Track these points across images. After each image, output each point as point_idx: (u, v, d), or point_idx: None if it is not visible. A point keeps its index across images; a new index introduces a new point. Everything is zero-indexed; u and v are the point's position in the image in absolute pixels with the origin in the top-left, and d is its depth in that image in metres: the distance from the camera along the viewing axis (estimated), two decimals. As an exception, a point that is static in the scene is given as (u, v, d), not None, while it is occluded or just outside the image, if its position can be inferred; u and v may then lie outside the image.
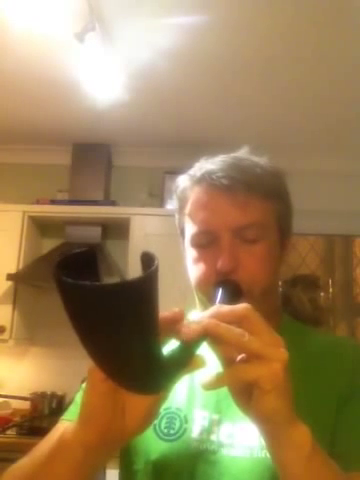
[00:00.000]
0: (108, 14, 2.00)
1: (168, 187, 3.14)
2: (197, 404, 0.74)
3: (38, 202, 3.12)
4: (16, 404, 2.89)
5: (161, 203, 3.12)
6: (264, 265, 0.72)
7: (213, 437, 0.71)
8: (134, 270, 2.84)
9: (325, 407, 0.69)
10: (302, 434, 0.55)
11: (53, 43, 2.20)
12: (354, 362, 0.74)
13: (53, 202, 3.12)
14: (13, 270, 2.89)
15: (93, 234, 3.10)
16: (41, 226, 3.20)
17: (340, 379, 0.72)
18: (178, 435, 0.72)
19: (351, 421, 0.68)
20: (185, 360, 0.50)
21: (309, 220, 3.21)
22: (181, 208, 0.79)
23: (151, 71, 2.39)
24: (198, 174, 0.75)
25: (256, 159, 0.78)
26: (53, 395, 2.86)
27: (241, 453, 0.69)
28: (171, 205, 3.09)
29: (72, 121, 2.98)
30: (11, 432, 2.61)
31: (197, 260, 0.74)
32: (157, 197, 3.16)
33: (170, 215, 3.41)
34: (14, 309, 2.91)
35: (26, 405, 2.86)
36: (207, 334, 0.50)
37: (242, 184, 0.71)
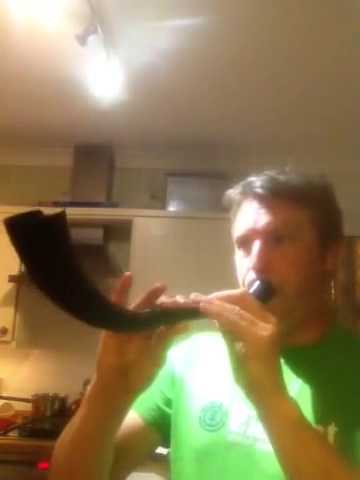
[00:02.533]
0: (110, 16, 2.01)
1: (170, 189, 3.14)
2: (239, 399, 0.77)
3: (40, 204, 3.12)
4: (18, 406, 2.89)
5: (163, 205, 3.12)
6: (295, 265, 0.77)
7: (249, 431, 0.75)
8: (137, 272, 2.84)
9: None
10: (288, 407, 0.60)
11: (55, 45, 2.21)
12: None
13: (55, 204, 3.11)
14: (15, 272, 2.89)
15: (95, 236, 3.09)
16: (43, 228, 3.21)
17: None
18: (218, 427, 0.78)
19: None
20: (158, 320, 0.61)
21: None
22: (232, 219, 0.87)
23: (153, 73, 2.39)
24: (242, 188, 0.85)
25: (298, 174, 0.86)
26: (55, 397, 2.86)
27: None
28: (173, 207, 3.10)
29: (74, 123, 2.99)
30: (13, 434, 2.60)
31: (238, 261, 0.83)
32: (159, 199, 3.16)
33: (172, 217, 3.42)
34: (16, 311, 2.91)
35: (28, 407, 2.86)
36: (200, 310, 0.60)
37: (274, 193, 0.79)
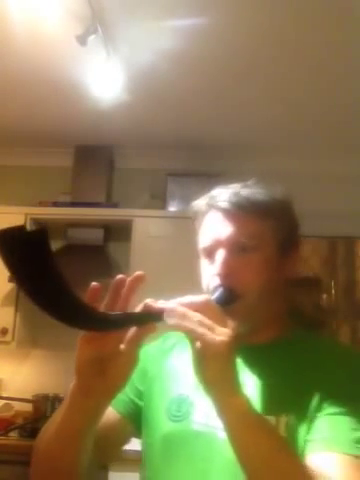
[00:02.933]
0: (110, 17, 2.01)
1: (170, 189, 3.14)
2: (202, 392, 0.84)
3: (40, 204, 3.12)
4: (18, 406, 2.89)
5: (163, 205, 3.12)
6: (256, 273, 0.85)
7: (211, 422, 0.82)
8: (136, 272, 2.83)
9: (312, 400, 0.80)
10: (239, 401, 0.68)
11: (55, 45, 2.21)
12: (343, 367, 0.84)
13: (55, 204, 3.12)
14: (15, 272, 2.89)
15: (95, 236, 3.10)
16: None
17: (330, 380, 0.82)
18: (183, 417, 0.87)
19: (330, 414, 0.78)
20: (128, 321, 0.68)
21: (311, 222, 3.18)
22: (197, 229, 0.94)
23: (153, 73, 2.39)
24: (206, 200, 0.93)
25: (259, 187, 0.92)
26: (55, 397, 2.85)
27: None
28: (173, 207, 3.10)
29: (74, 123, 2.99)
30: (13, 434, 2.61)
31: (203, 269, 0.90)
32: (159, 199, 3.16)
33: (172, 217, 3.41)
34: (16, 311, 2.91)
35: (28, 407, 2.86)
36: (166, 313, 0.67)
37: (236, 206, 0.87)
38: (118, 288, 0.71)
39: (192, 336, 0.67)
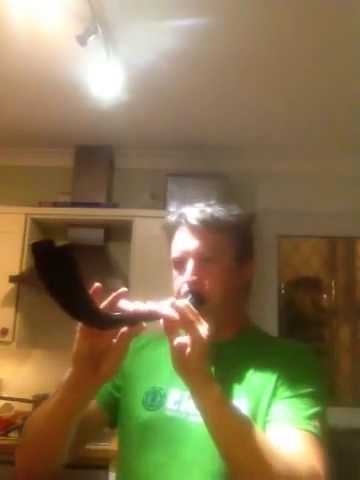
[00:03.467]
0: (110, 17, 2.01)
1: (171, 189, 3.14)
2: (175, 384, 0.98)
3: (41, 204, 3.13)
4: (18, 406, 2.89)
5: (164, 205, 3.12)
6: (219, 280, 1.00)
7: (182, 408, 0.97)
8: (137, 272, 2.84)
9: (268, 387, 0.95)
10: (212, 388, 0.80)
11: (55, 46, 2.21)
12: (293, 358, 1.00)
13: (56, 204, 3.12)
14: (16, 272, 2.90)
15: (95, 236, 3.10)
16: (44, 228, 3.21)
17: (281, 369, 0.97)
18: (158, 406, 1.00)
19: (284, 397, 0.93)
20: (125, 321, 0.79)
21: (311, 222, 3.21)
22: (169, 241, 1.09)
23: (153, 73, 2.39)
24: (176, 217, 1.07)
25: (221, 206, 1.07)
26: (55, 397, 2.86)
27: (202, 420, 0.90)
28: (173, 207, 3.10)
29: (74, 123, 2.99)
30: (13, 434, 2.61)
31: (175, 278, 1.04)
32: (159, 199, 3.16)
33: (172, 217, 3.28)
34: (16, 311, 2.91)
35: (28, 407, 2.86)
36: (154, 313, 0.79)
37: (201, 222, 1.02)
38: (120, 299, 0.83)
39: (174, 333, 0.78)
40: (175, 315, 0.78)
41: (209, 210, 1.04)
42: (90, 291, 0.79)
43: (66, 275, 0.66)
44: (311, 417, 0.90)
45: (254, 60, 2.29)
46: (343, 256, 3.82)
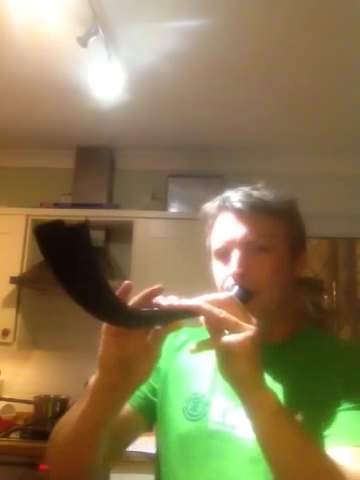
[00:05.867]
0: (111, 18, 2.01)
1: (171, 190, 3.14)
2: (218, 392, 0.89)
3: (42, 206, 3.13)
4: (19, 408, 2.89)
5: (164, 206, 3.12)
6: (270, 273, 0.87)
7: (227, 420, 0.86)
8: (138, 273, 2.84)
9: (326, 398, 0.82)
10: (266, 397, 0.68)
11: (56, 47, 2.21)
12: (356, 364, 0.87)
13: (56, 205, 3.12)
14: (17, 273, 2.90)
15: (96, 237, 3.10)
16: (44, 229, 3.21)
17: (342, 377, 0.84)
18: (200, 416, 0.89)
19: (345, 409, 0.80)
20: (158, 319, 0.69)
21: (312, 223, 3.19)
22: (208, 231, 0.95)
23: (153, 74, 2.39)
24: (218, 202, 0.93)
25: (269, 189, 0.94)
26: (56, 398, 2.86)
27: (249, 435, 0.79)
28: (174, 208, 3.10)
29: (75, 124, 3.00)
30: (14, 436, 2.61)
31: (217, 269, 0.91)
32: (160, 200, 3.16)
33: (173, 218, 3.41)
34: (17, 312, 2.91)
35: (29, 409, 2.86)
36: (192, 309, 0.67)
37: (250, 207, 0.88)
38: (125, 295, 0.71)
39: (218, 332, 0.68)
40: (219, 310, 0.68)
41: (256, 193, 0.91)
42: (119, 290, 0.69)
43: (85, 265, 0.53)
44: None
45: (254, 61, 2.29)
46: (344, 257, 3.82)
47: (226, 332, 0.68)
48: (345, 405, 0.80)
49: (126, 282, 0.70)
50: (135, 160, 3.35)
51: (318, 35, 2.09)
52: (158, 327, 0.70)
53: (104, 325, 0.70)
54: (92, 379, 0.75)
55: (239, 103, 2.69)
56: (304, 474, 0.68)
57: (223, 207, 0.92)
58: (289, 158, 3.24)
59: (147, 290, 0.71)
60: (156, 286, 0.71)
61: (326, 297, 3.74)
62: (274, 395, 0.69)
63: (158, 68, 2.33)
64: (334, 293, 3.72)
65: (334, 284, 3.74)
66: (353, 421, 0.78)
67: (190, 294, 0.74)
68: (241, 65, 2.33)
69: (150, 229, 2.97)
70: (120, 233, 3.16)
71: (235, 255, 0.86)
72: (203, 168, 3.18)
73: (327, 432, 0.78)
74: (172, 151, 3.24)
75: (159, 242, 2.90)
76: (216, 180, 3.02)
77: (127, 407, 0.90)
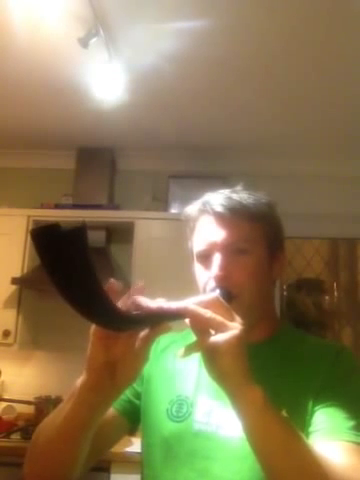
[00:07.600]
0: (112, 19, 2.01)
1: (172, 191, 3.14)
2: (202, 392, 0.91)
3: (43, 206, 3.13)
4: (20, 408, 2.89)
5: (165, 207, 3.12)
6: (250, 274, 0.89)
7: (212, 420, 0.88)
8: (139, 274, 2.84)
9: (307, 394, 0.85)
10: (255, 393, 0.68)
11: (57, 48, 2.22)
12: (333, 361, 0.90)
13: (57, 206, 3.12)
14: (18, 274, 2.90)
15: (97, 238, 3.10)
16: (45, 230, 3.21)
17: (321, 374, 0.87)
18: (185, 417, 0.90)
19: (326, 405, 0.83)
20: (147, 321, 0.69)
21: (313, 224, 3.21)
22: (190, 234, 0.98)
23: (154, 75, 2.40)
24: (199, 205, 0.96)
25: (248, 192, 0.96)
26: (57, 399, 2.85)
27: (234, 434, 0.84)
28: (175, 209, 3.10)
29: (76, 125, 3.00)
30: (15, 436, 2.61)
31: (199, 272, 0.93)
32: (161, 201, 3.16)
33: (174, 219, 3.41)
34: (18, 313, 2.91)
35: (30, 409, 2.86)
36: (179, 311, 0.67)
37: (229, 210, 0.90)
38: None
39: (204, 333, 0.68)
40: (205, 311, 0.68)
41: (236, 197, 0.93)
42: (133, 291, 0.70)
43: (80, 267, 0.54)
44: (357, 427, 0.80)
45: (254, 62, 2.30)
46: (345, 257, 3.82)
47: (212, 332, 0.68)
48: (326, 402, 0.83)
49: (111, 281, 0.69)
50: (136, 161, 3.35)
51: (318, 35, 2.09)
52: (146, 329, 0.70)
53: (93, 327, 0.70)
54: (79, 380, 0.75)
55: (240, 104, 2.69)
56: (293, 468, 0.69)
57: (204, 210, 0.94)
58: (290, 159, 3.24)
59: (132, 291, 0.71)
60: (138, 285, 0.72)
61: (327, 297, 3.74)
62: (262, 391, 0.69)
63: (159, 69, 2.34)
64: (335, 293, 3.72)
65: (335, 285, 3.74)
66: (334, 417, 0.81)
67: (190, 294, 0.74)
68: (241, 66, 2.33)
69: (151, 230, 2.97)
70: (121, 234, 3.16)
71: (216, 258, 0.89)
72: (204, 169, 3.19)
73: (311, 428, 0.81)
74: (173, 152, 3.24)
75: (160, 243, 2.90)
76: (217, 181, 3.02)
77: (110, 410, 0.90)
